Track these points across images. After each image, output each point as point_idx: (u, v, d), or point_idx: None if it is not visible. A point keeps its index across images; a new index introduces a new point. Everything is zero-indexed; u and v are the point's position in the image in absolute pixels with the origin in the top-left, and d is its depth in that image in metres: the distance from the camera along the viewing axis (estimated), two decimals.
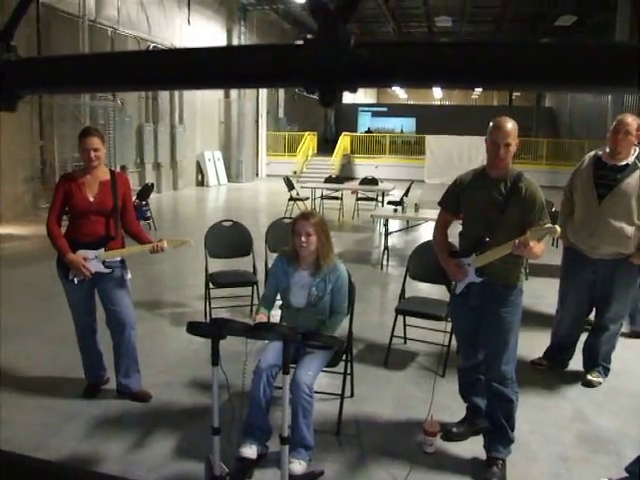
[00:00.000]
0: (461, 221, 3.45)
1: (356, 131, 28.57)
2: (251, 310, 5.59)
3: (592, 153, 4.23)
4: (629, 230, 3.95)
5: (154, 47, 15.29)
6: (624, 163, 3.99)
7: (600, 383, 4.29)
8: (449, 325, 4.50)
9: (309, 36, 0.51)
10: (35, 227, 10.21)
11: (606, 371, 4.37)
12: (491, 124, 3.18)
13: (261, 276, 5.46)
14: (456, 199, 3.37)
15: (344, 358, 3.66)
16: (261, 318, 3.31)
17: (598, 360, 4.34)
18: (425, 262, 4.74)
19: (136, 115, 15.18)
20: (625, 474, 2.98)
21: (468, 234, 3.30)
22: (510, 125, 3.12)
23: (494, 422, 3.28)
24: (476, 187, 3.27)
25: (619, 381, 4.34)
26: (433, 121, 28.85)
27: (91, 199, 3.69)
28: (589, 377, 4.31)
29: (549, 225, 3.04)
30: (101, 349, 4.02)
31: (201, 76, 0.55)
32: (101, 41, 13.19)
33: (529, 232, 3.02)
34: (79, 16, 12.24)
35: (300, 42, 0.51)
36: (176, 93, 16.60)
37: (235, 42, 19.74)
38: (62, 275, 3.75)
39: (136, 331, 3.92)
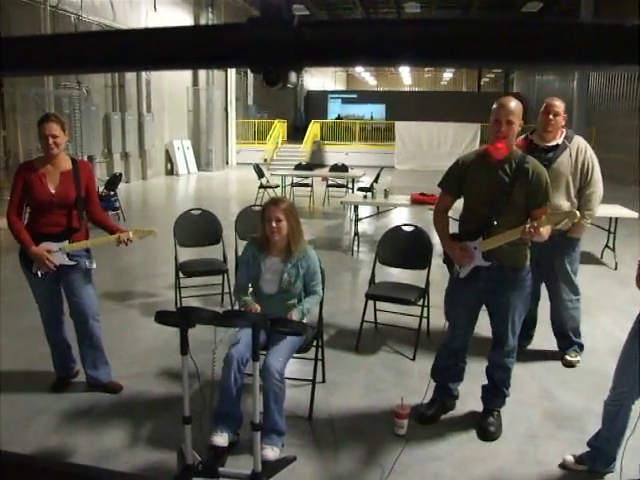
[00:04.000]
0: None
1: (326, 118, 28.50)
2: (222, 299, 5.58)
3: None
4: (566, 206, 4.02)
5: None
6: (554, 144, 4.09)
7: (579, 362, 4.38)
8: (419, 309, 4.57)
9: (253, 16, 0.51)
10: None
11: (581, 347, 4.47)
12: (494, 104, 3.15)
13: (231, 264, 5.44)
14: (457, 181, 3.33)
15: (315, 344, 3.67)
16: (256, 309, 3.29)
17: (572, 338, 4.43)
18: (394, 247, 4.78)
19: (102, 104, 14.89)
20: (587, 449, 3.06)
21: (472, 217, 3.28)
22: (513, 104, 3.10)
23: (494, 385, 3.50)
24: (479, 168, 3.23)
25: (583, 359, 4.44)
26: (403, 107, 28.94)
27: (52, 191, 3.57)
28: (568, 358, 4.39)
29: (568, 210, 3.03)
30: (69, 341, 3.96)
31: (143, 57, 0.54)
32: (64, 28, 12.87)
33: (544, 217, 3.03)
34: (40, 2, 11.93)
35: (243, 22, 0.51)
36: (143, 81, 16.35)
37: None
38: (25, 268, 3.66)
39: (100, 322, 3.86)
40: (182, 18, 18.41)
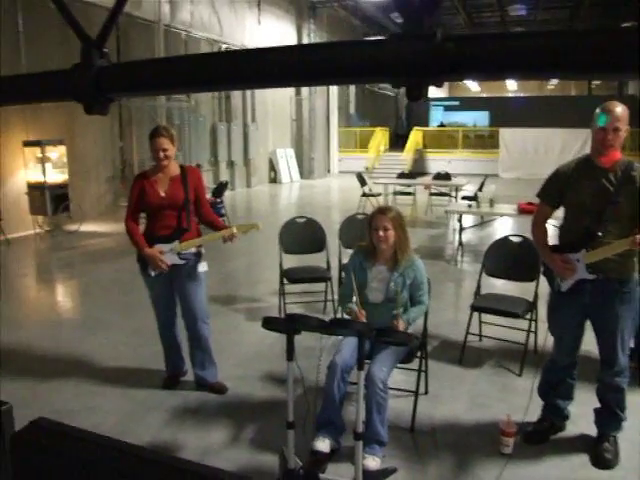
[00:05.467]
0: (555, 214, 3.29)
1: (428, 126, 28.15)
2: (325, 306, 5.63)
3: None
4: None
5: (226, 48, 15.61)
6: None
7: None
8: (526, 323, 4.40)
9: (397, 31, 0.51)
10: (115, 224, 10.65)
11: None
12: (598, 110, 2.99)
13: (334, 272, 5.49)
14: (557, 191, 3.18)
15: (419, 355, 3.63)
16: (361, 318, 3.31)
17: None
18: (501, 258, 4.64)
19: (210, 115, 15.57)
20: None
21: (573, 227, 3.13)
22: (619, 109, 2.93)
23: (607, 407, 3.28)
24: (582, 177, 3.07)
25: None
26: (507, 114, 28.01)
27: (162, 194, 3.79)
28: None
29: None
30: (180, 342, 4.15)
31: (290, 74, 0.56)
32: (175, 44, 13.57)
33: None
34: (155, 21, 12.66)
35: (385, 37, 0.51)
36: (248, 92, 16.89)
37: (305, 40, 19.86)
38: (142, 270, 3.88)
39: (209, 325, 4.01)
40: (285, 30, 18.86)
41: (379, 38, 0.52)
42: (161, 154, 3.72)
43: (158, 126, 3.85)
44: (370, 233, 3.43)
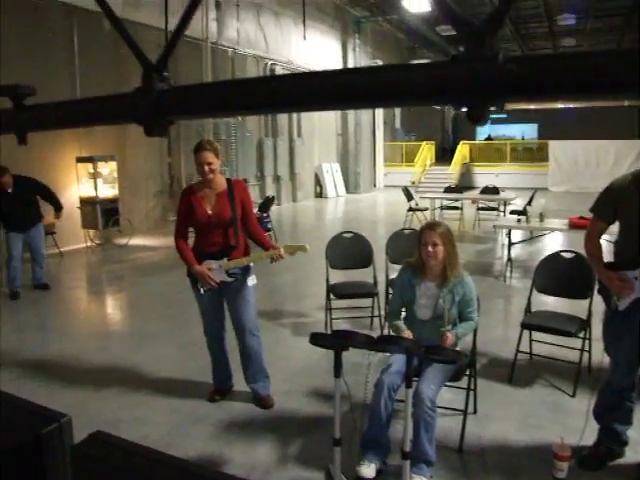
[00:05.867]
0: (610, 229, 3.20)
1: (475, 139, 27.87)
2: (371, 322, 5.61)
3: None
4: None
5: (272, 64, 15.84)
6: None
7: None
8: (579, 342, 4.28)
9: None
10: (164, 239, 10.89)
11: None
12: None
13: (381, 288, 5.47)
14: (612, 207, 3.10)
15: (467, 373, 3.57)
16: (409, 335, 3.29)
17: None
18: (553, 274, 4.54)
19: (256, 130, 15.80)
20: None
21: (630, 244, 3.02)
22: None
23: None
24: (638, 193, 2.98)
25: None
26: (557, 125, 27.52)
27: (209, 212, 3.81)
28: None
29: None
30: (228, 355, 4.19)
31: (351, 96, 0.57)
32: (222, 62, 13.85)
33: None
34: (202, 40, 12.95)
35: (447, 60, 0.51)
36: None
37: (350, 55, 20.01)
38: (192, 285, 3.96)
39: (259, 337, 4.04)
40: (330, 45, 19.02)
41: (442, 60, 0.52)
42: (206, 168, 3.74)
43: (202, 140, 3.87)
44: (419, 249, 3.42)
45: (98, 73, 10.41)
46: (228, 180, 3.95)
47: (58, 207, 7.42)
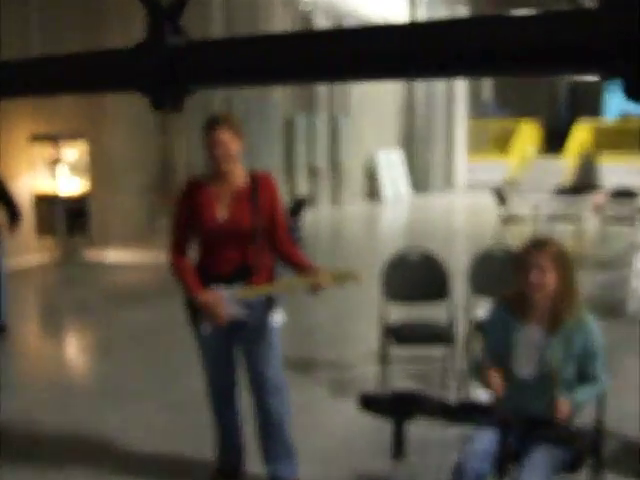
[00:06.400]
0: None
1: (601, 117, 27.52)
2: (446, 379, 5.55)
3: None
4: None
5: (307, 10, 15.92)
6: None
7: None
8: None
9: None
10: (150, 252, 10.98)
11: None
12: None
13: (460, 330, 5.42)
14: None
15: (589, 461, 3.50)
16: (497, 389, 3.25)
17: None
18: None
19: (283, 101, 15.75)
20: None
21: None
22: None
23: None
24: None
25: None
26: None
27: (222, 217, 3.78)
28: None
29: None
30: (241, 422, 4.19)
31: (457, 59, 0.56)
32: (237, 7, 13.96)
33: None
34: None
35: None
36: None
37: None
38: (192, 321, 3.90)
39: (284, 398, 4.01)
40: None
41: (582, 9, 0.51)
42: (221, 153, 3.72)
43: (216, 114, 3.88)
44: (519, 276, 3.39)
45: (63, 32, 10.48)
46: (252, 174, 3.92)
47: (14, 212, 7.15)
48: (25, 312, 8.53)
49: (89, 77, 1.01)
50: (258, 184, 3.86)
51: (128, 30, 11.74)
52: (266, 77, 0.82)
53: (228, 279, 3.80)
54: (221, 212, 3.79)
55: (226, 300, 3.75)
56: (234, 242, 3.81)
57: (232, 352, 4.02)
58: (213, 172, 3.86)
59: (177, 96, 0.82)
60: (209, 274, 3.83)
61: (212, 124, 3.74)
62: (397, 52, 0.54)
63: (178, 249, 3.89)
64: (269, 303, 3.89)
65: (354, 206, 18.01)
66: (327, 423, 5.08)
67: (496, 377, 3.27)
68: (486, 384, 3.40)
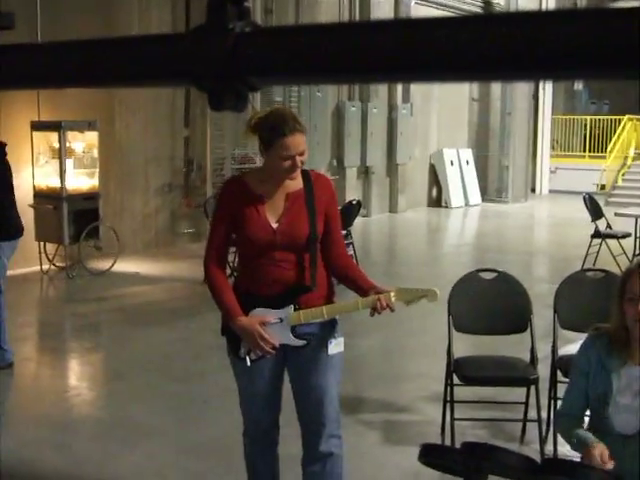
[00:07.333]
0: None
1: None
2: (525, 429, 5.50)
3: None
4: None
5: None
6: None
7: None
8: None
9: None
10: (172, 264, 11.02)
11: None
12: None
13: (544, 369, 5.36)
14: None
15: None
16: (604, 458, 3.17)
17: None
18: None
19: (332, 88, 15.73)
20: None
21: None
22: None
23: None
24: None
25: None
26: None
27: (274, 225, 3.72)
28: None
29: None
30: (278, 472, 4.13)
31: None
32: None
33: None
34: None
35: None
36: None
37: None
38: (231, 348, 3.85)
39: (342, 443, 3.92)
40: None
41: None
42: (297, 161, 3.61)
43: (285, 113, 3.77)
44: (619, 306, 3.35)
45: (69, 14, 10.66)
46: (305, 172, 3.82)
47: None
48: (22, 333, 8.52)
49: (130, 68, 1.00)
50: (313, 186, 3.79)
51: (146, 12, 11.91)
52: (354, 73, 0.80)
53: (276, 301, 3.74)
54: (274, 219, 3.73)
55: (275, 326, 3.69)
56: (287, 255, 3.74)
57: (279, 384, 3.95)
58: (269, 176, 3.78)
59: (240, 94, 0.80)
60: (253, 295, 3.78)
61: (293, 125, 3.61)
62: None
63: (216, 259, 3.83)
64: (327, 328, 3.83)
65: (415, 213, 17.96)
66: (379, 475, 5.06)
67: (603, 454, 3.20)
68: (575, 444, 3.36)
